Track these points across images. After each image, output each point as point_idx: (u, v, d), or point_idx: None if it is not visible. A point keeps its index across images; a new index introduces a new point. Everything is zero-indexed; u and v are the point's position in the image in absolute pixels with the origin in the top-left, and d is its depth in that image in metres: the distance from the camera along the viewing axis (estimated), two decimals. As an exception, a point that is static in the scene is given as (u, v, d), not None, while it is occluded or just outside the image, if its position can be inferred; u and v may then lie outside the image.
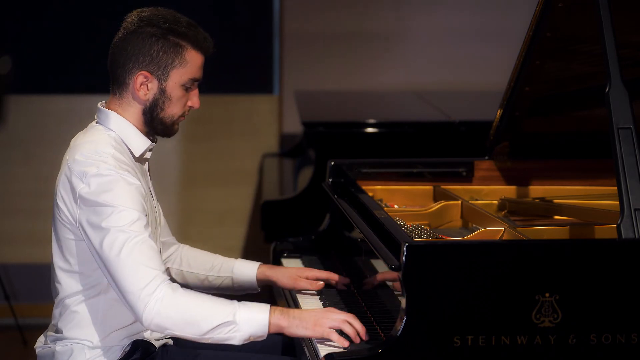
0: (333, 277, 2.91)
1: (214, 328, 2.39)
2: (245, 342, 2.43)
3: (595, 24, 2.63)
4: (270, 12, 5.55)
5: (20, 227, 5.40)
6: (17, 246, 5.42)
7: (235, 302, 2.44)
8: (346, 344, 2.40)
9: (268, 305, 2.44)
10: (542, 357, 2.32)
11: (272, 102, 5.59)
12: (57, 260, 2.57)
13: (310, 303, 2.81)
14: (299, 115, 4.50)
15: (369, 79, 5.57)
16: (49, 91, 5.47)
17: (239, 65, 5.53)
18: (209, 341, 2.42)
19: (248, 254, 5.51)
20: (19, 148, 5.42)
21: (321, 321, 2.43)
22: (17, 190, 5.42)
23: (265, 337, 2.44)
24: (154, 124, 2.60)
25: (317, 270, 2.95)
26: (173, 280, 2.79)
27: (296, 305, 2.81)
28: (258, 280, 2.90)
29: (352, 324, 2.44)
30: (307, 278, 2.90)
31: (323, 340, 2.44)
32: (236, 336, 2.41)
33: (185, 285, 2.84)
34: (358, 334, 2.43)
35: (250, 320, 2.41)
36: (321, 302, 2.81)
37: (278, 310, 2.44)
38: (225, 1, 5.51)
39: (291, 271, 2.91)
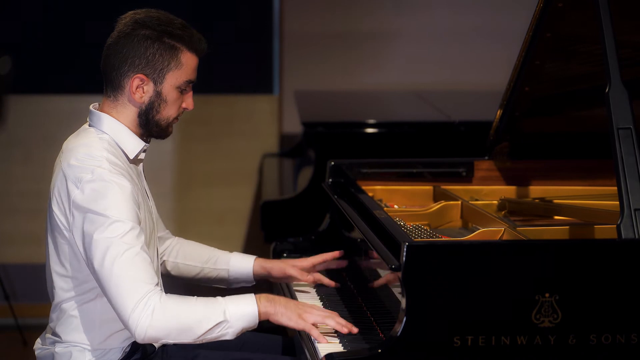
0: (326, 256, 2.95)
1: (207, 331, 2.41)
2: (237, 335, 2.45)
3: (595, 24, 2.63)
4: (270, 12, 5.55)
5: (20, 227, 5.40)
6: (17, 246, 5.41)
7: (220, 299, 2.45)
8: (325, 340, 2.44)
9: (253, 296, 2.47)
10: (542, 357, 2.32)
11: (272, 102, 5.59)
12: (54, 265, 2.55)
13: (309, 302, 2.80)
14: (298, 115, 4.49)
15: (369, 79, 5.57)
16: (49, 91, 5.47)
17: (239, 65, 5.53)
18: (203, 342, 2.43)
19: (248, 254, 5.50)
20: (18, 148, 5.42)
21: (304, 315, 2.48)
22: (17, 190, 5.42)
23: (256, 327, 2.48)
24: (149, 126, 2.59)
25: (310, 258, 2.96)
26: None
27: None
28: (255, 273, 2.92)
29: (335, 320, 2.49)
30: (302, 267, 2.92)
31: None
32: (229, 332, 2.43)
33: (179, 278, 2.89)
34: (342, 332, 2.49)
35: (241, 315, 2.43)
36: (321, 303, 2.81)
37: (264, 297, 2.48)
38: (226, 1, 5.51)
39: (285, 262, 2.95)
